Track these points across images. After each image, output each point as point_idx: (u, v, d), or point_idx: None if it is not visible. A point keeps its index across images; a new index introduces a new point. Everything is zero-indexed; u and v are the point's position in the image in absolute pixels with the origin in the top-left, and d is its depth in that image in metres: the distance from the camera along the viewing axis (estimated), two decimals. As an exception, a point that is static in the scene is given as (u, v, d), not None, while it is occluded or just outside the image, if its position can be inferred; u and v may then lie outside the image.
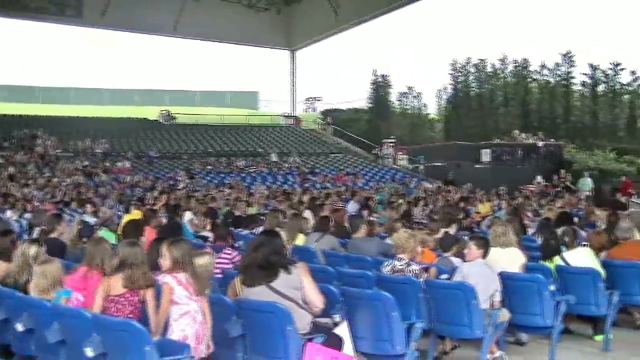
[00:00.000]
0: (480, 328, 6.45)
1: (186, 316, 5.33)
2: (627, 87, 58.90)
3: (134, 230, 8.59)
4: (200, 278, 5.52)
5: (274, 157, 39.45)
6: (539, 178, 32.53)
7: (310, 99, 68.69)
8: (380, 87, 64.66)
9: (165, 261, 5.47)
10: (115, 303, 5.47)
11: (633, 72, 57.79)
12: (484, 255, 7.11)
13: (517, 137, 40.04)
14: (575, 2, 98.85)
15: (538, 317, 7.07)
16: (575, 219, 13.29)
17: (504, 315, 6.82)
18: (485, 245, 7.18)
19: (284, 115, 55.44)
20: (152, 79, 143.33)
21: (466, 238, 7.98)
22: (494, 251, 7.50)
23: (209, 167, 36.38)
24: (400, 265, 7.06)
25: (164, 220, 12.33)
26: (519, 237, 8.87)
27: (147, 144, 41.12)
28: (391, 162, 41.41)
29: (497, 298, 6.77)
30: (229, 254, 8.36)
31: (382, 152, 42.65)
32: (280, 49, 53.89)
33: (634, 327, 8.58)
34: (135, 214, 13.26)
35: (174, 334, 5.30)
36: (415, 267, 7.04)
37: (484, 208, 17.54)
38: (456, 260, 7.78)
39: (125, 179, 30.62)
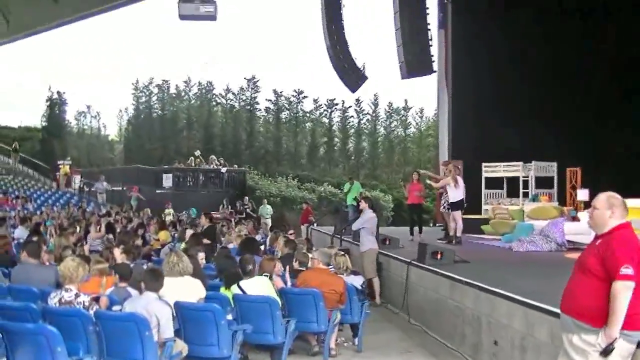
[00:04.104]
0: (154, 361, 6.37)
1: None
2: (309, 115, 62.91)
3: None
4: None
5: None
6: (223, 204, 33.39)
7: (-28, 116, 64.40)
8: (56, 105, 62.04)
9: None
10: None
11: (315, 100, 62.07)
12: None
13: (206, 163, 40.39)
14: (259, 27, 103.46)
15: (214, 348, 7.18)
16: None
17: (180, 346, 6.80)
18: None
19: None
20: None
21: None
22: (169, 281, 7.44)
23: None
24: (69, 297, 6.73)
25: None
26: (198, 265, 8.93)
27: None
28: (105, 198, 38.76)
29: (167, 333, 6.66)
30: None
31: (95, 186, 39.15)
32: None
33: (311, 354, 9.02)
34: None
35: None
36: (84, 298, 6.75)
37: (163, 235, 17.42)
38: (133, 291, 7.60)
39: None
